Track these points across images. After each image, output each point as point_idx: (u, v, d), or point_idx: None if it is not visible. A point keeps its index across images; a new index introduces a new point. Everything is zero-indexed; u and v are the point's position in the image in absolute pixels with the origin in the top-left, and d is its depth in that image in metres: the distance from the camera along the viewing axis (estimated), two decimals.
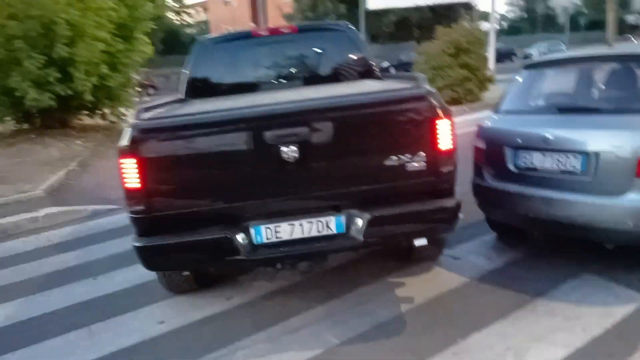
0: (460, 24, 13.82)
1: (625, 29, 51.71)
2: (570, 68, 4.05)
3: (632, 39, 33.70)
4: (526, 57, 33.07)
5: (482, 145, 4.08)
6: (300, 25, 5.33)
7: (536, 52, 40.14)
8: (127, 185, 2.90)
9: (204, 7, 54.88)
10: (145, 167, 2.86)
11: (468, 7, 31.65)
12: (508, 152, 3.82)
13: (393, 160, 2.94)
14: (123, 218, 5.27)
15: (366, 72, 4.78)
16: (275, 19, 33.89)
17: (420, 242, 3.36)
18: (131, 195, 2.91)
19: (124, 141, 2.86)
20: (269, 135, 2.85)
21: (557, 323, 3.12)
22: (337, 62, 4.94)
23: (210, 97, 4.42)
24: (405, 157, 2.93)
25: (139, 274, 3.87)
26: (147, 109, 3.35)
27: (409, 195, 3.03)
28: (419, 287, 3.71)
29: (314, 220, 2.99)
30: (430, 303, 3.49)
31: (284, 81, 4.87)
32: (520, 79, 4.18)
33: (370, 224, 2.96)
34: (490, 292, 3.57)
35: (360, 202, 3.00)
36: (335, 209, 3.01)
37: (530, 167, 3.72)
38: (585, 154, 3.39)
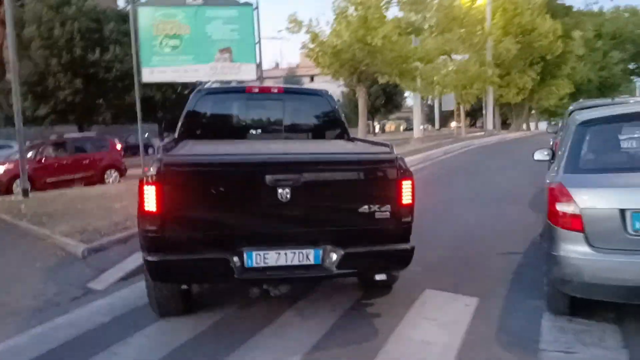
0: None
1: None
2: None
3: None
4: None
5: (573, 209, 3.45)
6: (286, 87, 6.36)
7: None
8: (145, 208, 3.32)
9: None
10: (163, 195, 3.29)
11: None
12: (625, 216, 3.29)
13: (365, 208, 3.52)
14: None
15: (340, 133, 5.55)
16: None
17: (381, 276, 3.98)
18: (148, 217, 3.34)
19: (153, 170, 3.31)
20: (269, 178, 3.38)
21: None
22: (315, 121, 5.71)
23: (202, 139, 5.05)
24: (374, 207, 3.52)
25: None
26: (166, 147, 3.98)
27: (375, 238, 3.62)
28: None
29: (296, 251, 3.49)
30: None
31: (268, 132, 5.54)
32: (580, 135, 3.77)
33: (342, 258, 3.49)
34: None
35: (335, 240, 3.54)
36: (315, 244, 3.52)
37: None
38: None
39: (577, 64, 39.70)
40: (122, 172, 16.62)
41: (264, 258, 3.44)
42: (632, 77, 59.35)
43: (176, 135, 5.24)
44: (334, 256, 3.49)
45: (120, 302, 4.82)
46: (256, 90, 5.70)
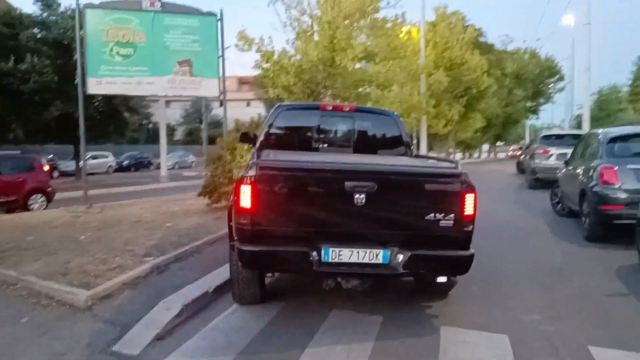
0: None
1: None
2: None
3: None
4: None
5: None
6: (357, 107, 6.80)
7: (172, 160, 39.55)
8: (241, 204, 3.83)
9: None
10: (257, 193, 3.81)
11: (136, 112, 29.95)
12: None
13: (430, 216, 3.85)
14: None
15: (404, 150, 6.03)
16: None
17: (442, 279, 4.47)
18: (243, 212, 3.84)
19: (249, 172, 3.83)
20: (348, 184, 3.83)
21: None
22: (381, 138, 6.23)
23: (280, 149, 5.43)
24: (439, 216, 3.85)
25: None
26: (260, 153, 4.55)
27: (439, 244, 3.93)
28: None
29: (367, 250, 3.91)
30: None
31: (338, 146, 6.04)
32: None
33: (408, 260, 3.87)
34: None
35: (403, 243, 3.91)
36: (384, 245, 3.92)
37: None
38: None
39: (490, 100, 41.94)
40: (49, 197, 14.35)
41: (339, 254, 3.89)
42: (529, 115, 64.31)
43: (257, 145, 5.83)
44: (401, 257, 3.87)
45: None
46: (330, 107, 6.26)
